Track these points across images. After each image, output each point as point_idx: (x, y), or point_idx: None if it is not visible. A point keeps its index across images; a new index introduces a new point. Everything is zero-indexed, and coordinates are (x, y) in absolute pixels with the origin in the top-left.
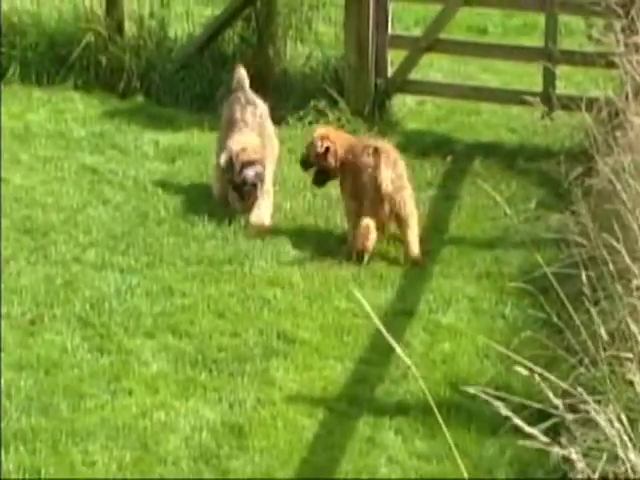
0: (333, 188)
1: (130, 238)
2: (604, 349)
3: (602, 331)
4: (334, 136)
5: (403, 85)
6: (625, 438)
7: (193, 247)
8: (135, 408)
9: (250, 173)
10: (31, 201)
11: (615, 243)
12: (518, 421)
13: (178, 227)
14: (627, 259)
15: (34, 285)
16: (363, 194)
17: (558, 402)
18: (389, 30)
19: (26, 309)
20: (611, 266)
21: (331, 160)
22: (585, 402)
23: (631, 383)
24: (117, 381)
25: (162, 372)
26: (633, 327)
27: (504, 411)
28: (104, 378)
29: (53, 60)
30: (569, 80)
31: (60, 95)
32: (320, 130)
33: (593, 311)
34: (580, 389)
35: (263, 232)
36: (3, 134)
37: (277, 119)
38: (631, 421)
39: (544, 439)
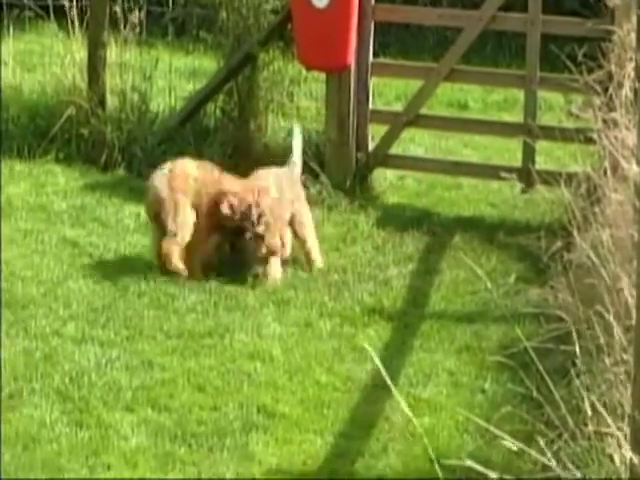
0: None
1: (110, 311)
2: (584, 424)
3: (586, 405)
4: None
5: (384, 159)
6: None
7: (173, 320)
8: None
9: None
10: (10, 274)
11: (595, 317)
12: None
13: (158, 300)
14: (617, 332)
15: (13, 359)
16: None
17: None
18: (370, 105)
19: (5, 383)
20: (591, 340)
21: None
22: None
23: (611, 457)
24: (96, 455)
25: (141, 446)
26: (615, 401)
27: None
28: (83, 453)
29: (34, 133)
30: (548, 155)
31: (41, 168)
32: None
33: (578, 384)
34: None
35: None
36: None
37: None
38: None
39: None
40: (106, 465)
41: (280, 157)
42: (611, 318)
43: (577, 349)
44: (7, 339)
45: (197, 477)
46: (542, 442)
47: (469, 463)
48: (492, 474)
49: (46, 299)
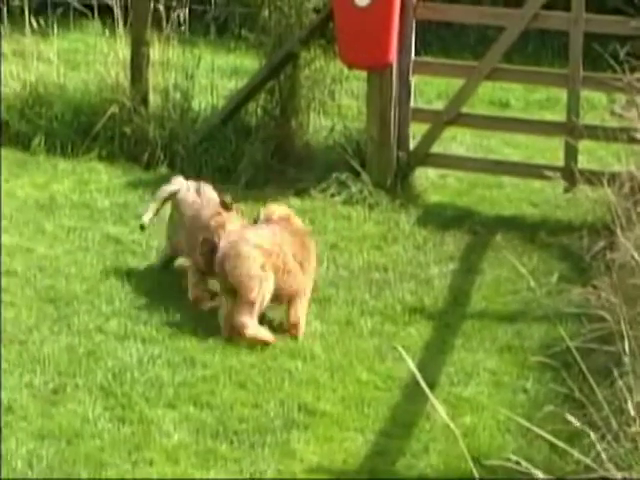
0: (355, 258)
1: (152, 308)
2: (627, 425)
3: (629, 406)
4: None
5: (425, 158)
6: None
7: (215, 318)
8: (156, 478)
9: None
10: (55, 271)
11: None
12: None
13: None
14: None
15: (57, 354)
16: None
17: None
18: (411, 103)
19: (49, 378)
20: (634, 341)
21: None
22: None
23: None
24: (138, 451)
25: (183, 443)
26: None
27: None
28: (125, 448)
29: (78, 131)
30: (591, 155)
31: (85, 166)
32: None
33: (622, 384)
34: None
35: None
36: (28, 204)
37: (299, 191)
38: None
39: None
40: (148, 461)
41: (321, 155)
42: None
43: (621, 349)
44: (51, 335)
45: (238, 474)
46: (585, 443)
47: (515, 460)
48: (539, 473)
49: (89, 296)
